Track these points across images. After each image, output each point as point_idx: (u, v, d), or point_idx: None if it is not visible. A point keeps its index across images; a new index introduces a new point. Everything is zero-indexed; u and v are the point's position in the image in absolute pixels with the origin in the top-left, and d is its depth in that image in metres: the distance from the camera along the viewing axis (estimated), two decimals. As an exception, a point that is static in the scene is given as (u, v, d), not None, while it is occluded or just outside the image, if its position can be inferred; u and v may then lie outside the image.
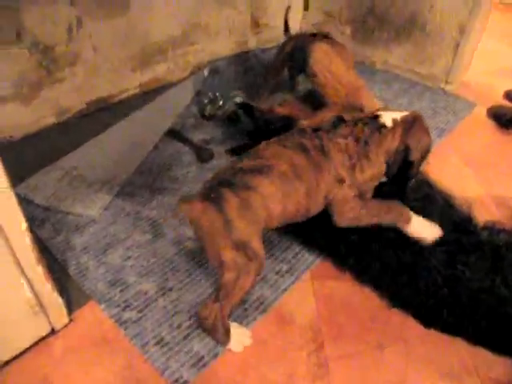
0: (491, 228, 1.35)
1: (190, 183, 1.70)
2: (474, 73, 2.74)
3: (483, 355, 1.20)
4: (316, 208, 1.23)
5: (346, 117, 1.30)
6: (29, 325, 1.11)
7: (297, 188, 1.14)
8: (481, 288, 1.19)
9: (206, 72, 2.30)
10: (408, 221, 1.27)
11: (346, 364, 1.17)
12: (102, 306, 1.25)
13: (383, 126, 1.26)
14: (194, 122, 2.06)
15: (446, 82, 2.51)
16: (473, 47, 2.51)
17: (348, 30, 2.78)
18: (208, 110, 2.06)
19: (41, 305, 1.10)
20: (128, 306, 1.26)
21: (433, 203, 1.40)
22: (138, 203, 1.59)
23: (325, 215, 1.27)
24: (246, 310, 1.27)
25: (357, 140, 1.23)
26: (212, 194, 1.04)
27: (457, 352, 1.20)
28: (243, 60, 2.59)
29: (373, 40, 2.68)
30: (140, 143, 1.87)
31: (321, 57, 1.89)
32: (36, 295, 1.07)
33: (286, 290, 1.32)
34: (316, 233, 1.39)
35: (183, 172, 1.75)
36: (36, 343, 1.16)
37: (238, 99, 2.05)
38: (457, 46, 2.40)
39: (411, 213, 1.28)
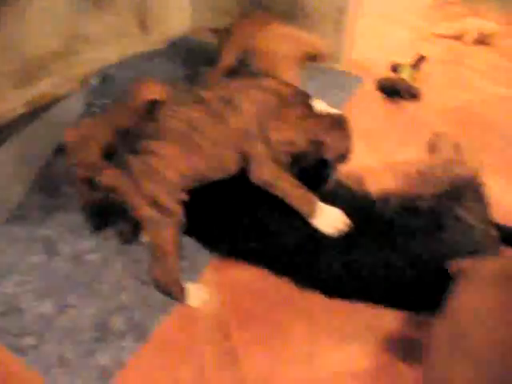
0: (385, 198, 1.35)
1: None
2: (361, 49, 2.89)
3: (382, 312, 1.27)
4: (232, 163, 1.23)
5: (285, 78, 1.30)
6: None
7: (198, 142, 1.16)
8: (377, 261, 1.22)
9: (94, 81, 2.24)
10: (314, 213, 1.23)
11: (254, 348, 1.19)
12: (-3, 337, 1.19)
13: (314, 107, 1.27)
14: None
15: (335, 61, 2.62)
16: (354, 25, 2.63)
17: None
18: (100, 118, 2.01)
19: None
20: (25, 333, 1.20)
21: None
22: (31, 224, 1.52)
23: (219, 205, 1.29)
24: (148, 311, 1.26)
25: (279, 97, 1.21)
26: (118, 161, 1.14)
27: (359, 316, 1.27)
28: (134, 65, 2.55)
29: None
30: (30, 161, 1.79)
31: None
32: None
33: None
34: (209, 225, 1.39)
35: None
36: None
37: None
38: (338, 25, 2.51)
39: (320, 204, 1.24)
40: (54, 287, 1.31)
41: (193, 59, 2.65)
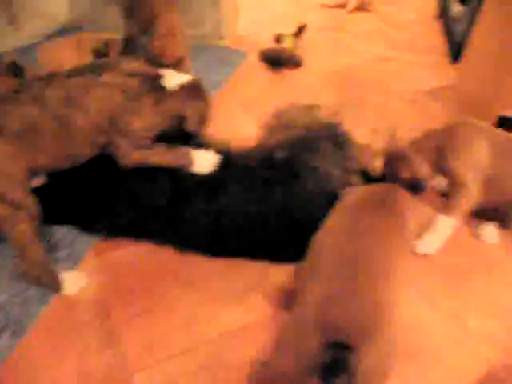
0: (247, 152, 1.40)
1: None
2: (246, 24, 2.92)
3: (262, 269, 1.31)
4: (87, 150, 1.21)
5: (128, 66, 1.25)
6: None
7: (36, 141, 1.12)
8: (240, 211, 1.27)
9: None
10: (192, 162, 1.30)
11: (135, 324, 1.18)
12: None
13: (166, 87, 1.27)
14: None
15: (219, 39, 2.63)
16: (233, 1, 2.65)
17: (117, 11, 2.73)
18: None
19: None
20: None
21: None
22: None
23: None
24: (26, 304, 1.21)
25: (124, 93, 1.21)
26: None
27: (239, 276, 1.29)
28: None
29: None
30: None
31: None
32: None
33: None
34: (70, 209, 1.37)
35: None
36: None
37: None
38: (216, 3, 2.51)
39: (193, 152, 1.30)
40: None
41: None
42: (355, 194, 1.03)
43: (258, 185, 1.23)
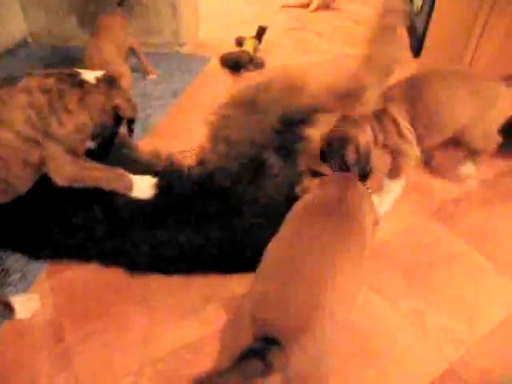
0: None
1: None
2: (207, 30, 2.90)
3: (218, 281, 1.28)
4: (23, 179, 1.13)
5: (38, 72, 1.18)
6: None
7: None
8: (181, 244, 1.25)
9: None
10: (131, 186, 1.27)
11: (88, 345, 1.15)
12: None
13: (85, 81, 1.21)
14: None
15: (180, 45, 2.60)
16: (192, 8, 2.63)
17: (74, 20, 2.70)
18: None
19: None
20: None
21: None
22: None
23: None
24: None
25: (46, 92, 1.12)
26: None
27: (195, 289, 1.27)
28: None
29: (99, 23, 2.64)
30: None
31: None
32: None
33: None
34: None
35: None
36: None
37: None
38: (175, 10, 2.49)
39: (132, 177, 1.28)
40: None
41: (32, 67, 2.50)
42: (307, 199, 1.02)
43: (194, 218, 1.22)
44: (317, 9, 3.42)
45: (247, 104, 1.34)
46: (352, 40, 2.88)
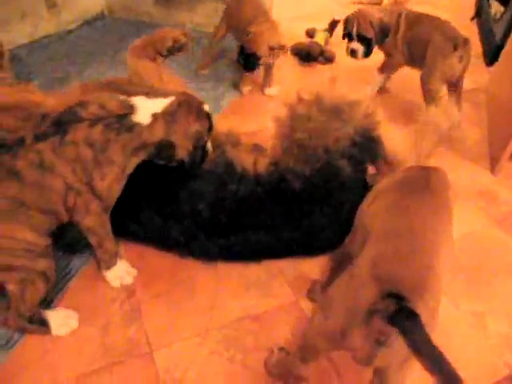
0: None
1: None
2: (279, 20, 2.92)
3: (285, 261, 1.33)
4: (63, 214, 1.11)
5: (86, 112, 1.07)
6: None
7: (26, 212, 1.04)
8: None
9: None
10: (110, 266, 1.25)
11: (159, 301, 1.22)
12: None
13: (136, 124, 1.09)
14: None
15: (252, 31, 2.64)
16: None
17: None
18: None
19: None
20: None
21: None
22: None
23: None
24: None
25: (91, 146, 1.06)
26: None
27: (262, 265, 1.32)
28: (45, 46, 2.47)
29: (175, 3, 2.71)
30: None
31: None
32: None
33: (91, 254, 1.33)
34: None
35: None
36: None
37: (37, 82, 1.97)
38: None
39: (117, 261, 1.26)
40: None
41: (108, 39, 2.60)
42: (394, 177, 1.07)
43: (266, 219, 1.25)
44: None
45: (332, 110, 1.33)
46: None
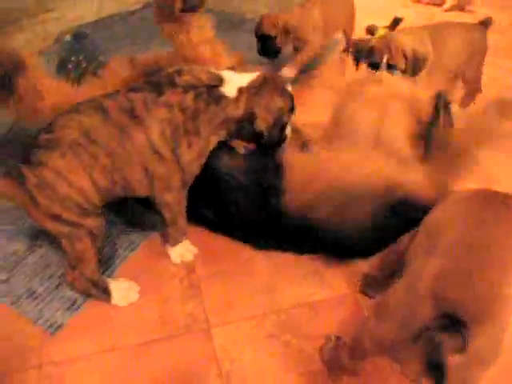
0: None
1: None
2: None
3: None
4: (138, 182, 1.11)
5: (180, 80, 1.10)
6: None
7: (94, 154, 1.02)
8: None
9: (68, 37, 2.22)
10: (176, 243, 1.27)
11: (218, 280, 1.24)
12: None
13: (223, 96, 1.12)
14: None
15: (312, 24, 2.63)
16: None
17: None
18: (72, 76, 2.00)
19: None
20: (-5, 269, 1.24)
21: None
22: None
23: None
24: (116, 249, 1.30)
25: (183, 111, 1.08)
26: (13, 172, 1.00)
27: (319, 256, 1.32)
28: (109, 25, 2.53)
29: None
30: None
31: None
32: None
33: (155, 226, 1.37)
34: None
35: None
36: None
37: (102, 58, 2.02)
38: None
39: (183, 238, 1.28)
40: (25, 229, 1.36)
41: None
42: (465, 193, 1.02)
43: None
44: (450, 9, 3.29)
45: None
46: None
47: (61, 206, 1.01)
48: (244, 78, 1.15)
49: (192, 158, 1.12)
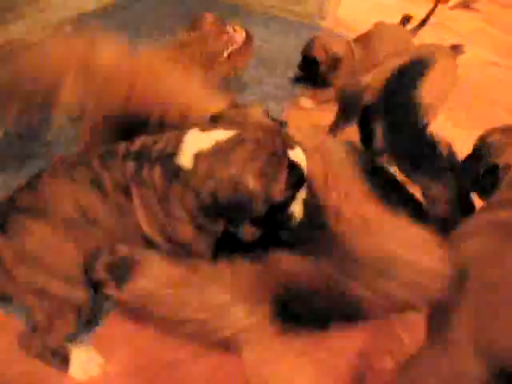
0: None
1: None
2: (347, 9, 2.84)
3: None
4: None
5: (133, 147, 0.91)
6: None
7: (95, 234, 0.91)
8: None
9: (69, 28, 2.13)
10: None
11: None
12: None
13: (180, 168, 0.86)
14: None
15: (321, 18, 2.57)
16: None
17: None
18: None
19: None
20: None
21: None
22: (8, 175, 1.47)
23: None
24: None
25: (154, 190, 0.88)
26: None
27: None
28: (110, 13, 2.44)
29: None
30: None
31: None
32: None
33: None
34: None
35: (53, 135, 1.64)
36: None
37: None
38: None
39: None
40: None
41: (169, 9, 2.56)
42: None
43: None
44: (456, 6, 3.27)
45: None
46: (492, 45, 2.76)
47: (50, 278, 0.89)
48: (208, 138, 0.85)
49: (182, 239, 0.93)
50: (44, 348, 0.97)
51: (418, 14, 2.90)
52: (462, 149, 1.60)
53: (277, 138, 0.86)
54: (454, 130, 1.91)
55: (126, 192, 0.88)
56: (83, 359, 1.02)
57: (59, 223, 0.88)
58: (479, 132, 1.71)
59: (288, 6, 2.57)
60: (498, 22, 3.11)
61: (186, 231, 0.91)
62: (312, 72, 1.93)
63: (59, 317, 0.93)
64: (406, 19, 2.58)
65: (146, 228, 0.90)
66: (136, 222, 0.90)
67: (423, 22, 2.46)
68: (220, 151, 0.83)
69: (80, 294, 0.94)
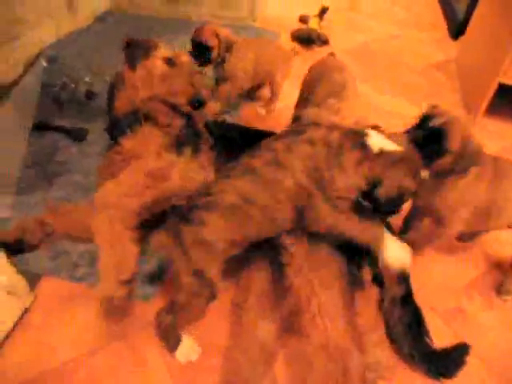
0: None
1: (77, 161, 1.90)
2: (272, 7, 3.28)
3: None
4: (285, 220, 1.18)
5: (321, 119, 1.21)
6: (7, 307, 1.29)
7: (252, 214, 1.14)
8: None
9: (43, 62, 2.37)
10: (379, 243, 1.19)
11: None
12: (55, 275, 1.47)
13: (368, 146, 1.14)
14: (55, 109, 2.17)
15: (253, 20, 2.99)
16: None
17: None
18: (62, 96, 2.18)
19: (11, 286, 1.29)
20: (77, 266, 1.50)
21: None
22: (41, 191, 1.74)
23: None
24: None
25: (327, 145, 1.13)
26: (173, 228, 1.13)
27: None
28: (72, 42, 2.69)
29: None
30: (8, 148, 1.93)
31: None
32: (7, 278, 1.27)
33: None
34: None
35: (66, 154, 1.93)
36: (18, 321, 1.34)
37: (87, 79, 2.23)
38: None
39: (386, 236, 1.20)
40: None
41: (123, 31, 2.85)
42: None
43: None
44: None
45: None
46: (395, 21, 3.30)
47: (209, 261, 1.13)
48: (387, 144, 1.16)
49: (337, 189, 1.15)
50: (170, 326, 1.22)
51: (331, 3, 3.41)
52: (392, 111, 2.09)
53: (419, 160, 1.23)
54: (383, 98, 2.41)
55: (275, 164, 1.13)
56: (188, 346, 1.28)
57: (225, 211, 1.13)
58: (401, 95, 2.24)
59: (223, 13, 2.96)
60: (400, 1, 3.68)
61: (342, 179, 1.14)
62: (205, 57, 2.03)
63: (195, 301, 1.16)
64: (323, 10, 3.06)
65: (304, 180, 1.12)
66: (287, 187, 1.13)
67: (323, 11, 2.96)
68: (392, 157, 1.15)
69: (220, 285, 1.17)
